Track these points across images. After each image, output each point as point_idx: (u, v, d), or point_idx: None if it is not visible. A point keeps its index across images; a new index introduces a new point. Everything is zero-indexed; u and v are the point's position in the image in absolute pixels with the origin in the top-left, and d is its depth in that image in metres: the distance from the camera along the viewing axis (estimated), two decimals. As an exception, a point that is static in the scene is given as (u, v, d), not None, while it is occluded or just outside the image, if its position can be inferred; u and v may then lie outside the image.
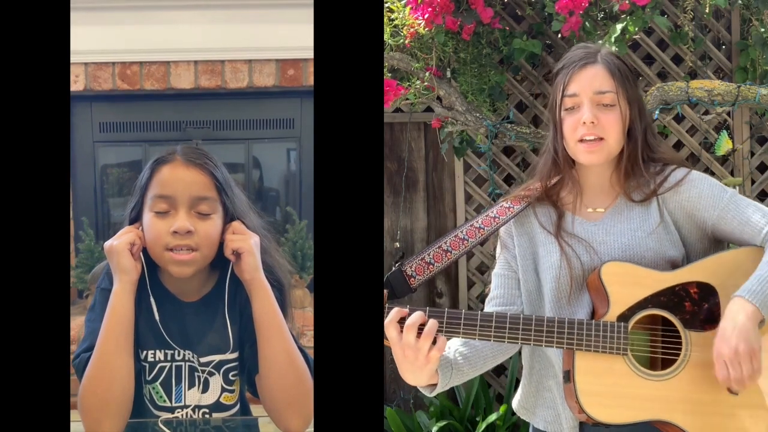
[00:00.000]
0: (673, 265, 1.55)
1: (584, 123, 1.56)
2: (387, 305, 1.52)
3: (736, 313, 1.43)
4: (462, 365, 1.59)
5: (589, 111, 1.56)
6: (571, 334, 1.49)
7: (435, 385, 1.57)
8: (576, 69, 1.59)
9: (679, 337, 1.50)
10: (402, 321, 1.48)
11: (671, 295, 1.51)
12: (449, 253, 1.63)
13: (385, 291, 1.57)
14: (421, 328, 1.47)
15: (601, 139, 1.57)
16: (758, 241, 1.52)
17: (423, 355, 1.47)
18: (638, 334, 1.52)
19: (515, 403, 1.71)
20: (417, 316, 1.48)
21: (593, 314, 1.55)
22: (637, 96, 1.61)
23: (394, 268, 1.61)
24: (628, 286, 1.51)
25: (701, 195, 1.57)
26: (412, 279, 1.60)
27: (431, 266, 1.61)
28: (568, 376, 1.51)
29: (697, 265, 1.53)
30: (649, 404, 1.48)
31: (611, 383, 1.48)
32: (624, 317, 1.50)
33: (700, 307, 1.51)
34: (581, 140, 1.58)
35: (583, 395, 1.47)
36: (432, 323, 1.47)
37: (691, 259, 1.56)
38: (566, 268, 1.57)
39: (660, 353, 1.52)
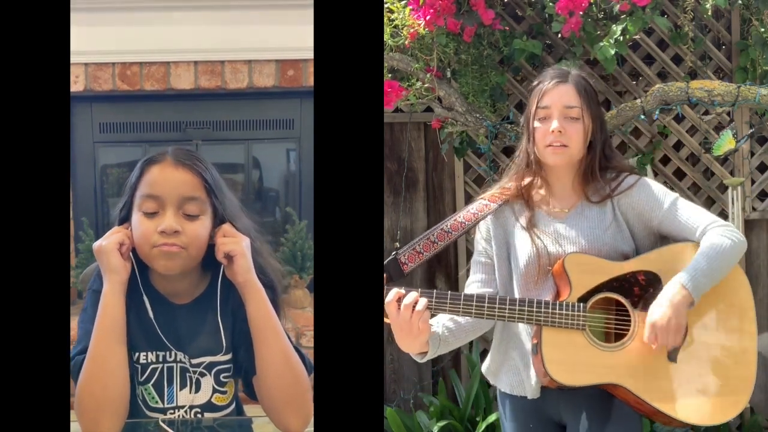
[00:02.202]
0: (625, 257, 1.82)
1: (553, 131, 1.82)
2: (386, 287, 1.77)
3: (672, 293, 1.72)
4: (447, 337, 1.86)
5: (558, 121, 1.83)
6: (539, 312, 1.76)
7: (425, 353, 1.83)
8: (550, 85, 1.86)
9: (629, 316, 1.78)
10: (399, 300, 1.74)
11: (623, 282, 1.79)
12: (436, 244, 1.89)
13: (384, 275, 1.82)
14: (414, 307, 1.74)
15: (566, 146, 1.83)
16: (695, 238, 1.80)
17: (416, 327, 1.74)
18: (595, 313, 1.79)
19: (484, 367, 2.00)
20: (412, 297, 1.74)
21: (556, 296, 1.81)
22: (599, 114, 1.89)
23: (390, 256, 1.85)
24: (587, 273, 1.78)
25: (649, 198, 1.84)
26: (405, 266, 1.86)
27: (421, 255, 1.87)
28: (536, 348, 1.77)
29: (644, 256, 1.81)
30: (603, 370, 1.75)
31: (572, 353, 1.76)
32: (583, 299, 1.77)
33: (646, 291, 1.78)
34: (549, 145, 1.83)
35: (549, 363, 1.74)
36: (423, 302, 1.74)
37: (640, 252, 1.84)
38: (536, 257, 1.83)
39: (613, 329, 1.80)
